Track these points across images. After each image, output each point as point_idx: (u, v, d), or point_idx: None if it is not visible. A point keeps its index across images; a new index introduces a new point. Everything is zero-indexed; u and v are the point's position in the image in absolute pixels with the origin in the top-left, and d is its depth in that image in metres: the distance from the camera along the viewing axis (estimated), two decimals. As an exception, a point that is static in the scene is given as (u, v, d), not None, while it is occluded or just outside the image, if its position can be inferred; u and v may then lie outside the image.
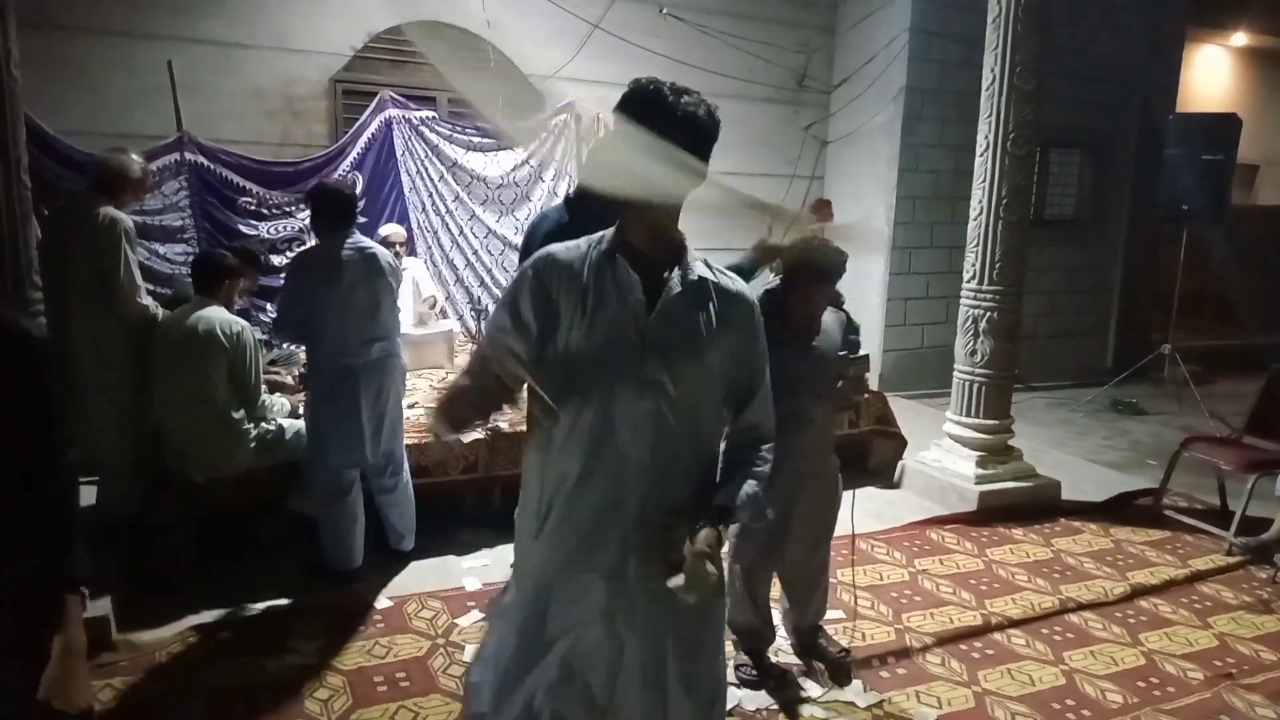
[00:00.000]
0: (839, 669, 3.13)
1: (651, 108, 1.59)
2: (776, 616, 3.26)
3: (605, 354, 1.62)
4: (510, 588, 1.83)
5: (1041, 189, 7.98)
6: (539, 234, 2.94)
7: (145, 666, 3.00)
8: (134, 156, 3.87)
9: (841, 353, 2.93)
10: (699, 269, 1.69)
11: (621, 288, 1.64)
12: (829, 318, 3.01)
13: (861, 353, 2.98)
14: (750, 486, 1.71)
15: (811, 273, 2.84)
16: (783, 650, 3.26)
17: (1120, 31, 7.81)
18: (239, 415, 3.64)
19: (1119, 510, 4.93)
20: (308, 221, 5.94)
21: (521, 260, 2.76)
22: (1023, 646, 3.41)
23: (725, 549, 1.75)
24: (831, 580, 3.83)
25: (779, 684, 3.08)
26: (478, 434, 4.14)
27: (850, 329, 3.06)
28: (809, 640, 3.24)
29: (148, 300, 3.79)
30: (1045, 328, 8.11)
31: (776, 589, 3.20)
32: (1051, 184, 8.10)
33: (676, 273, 1.66)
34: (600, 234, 1.70)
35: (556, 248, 1.70)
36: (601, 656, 1.67)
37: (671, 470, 1.68)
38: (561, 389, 1.65)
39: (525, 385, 1.64)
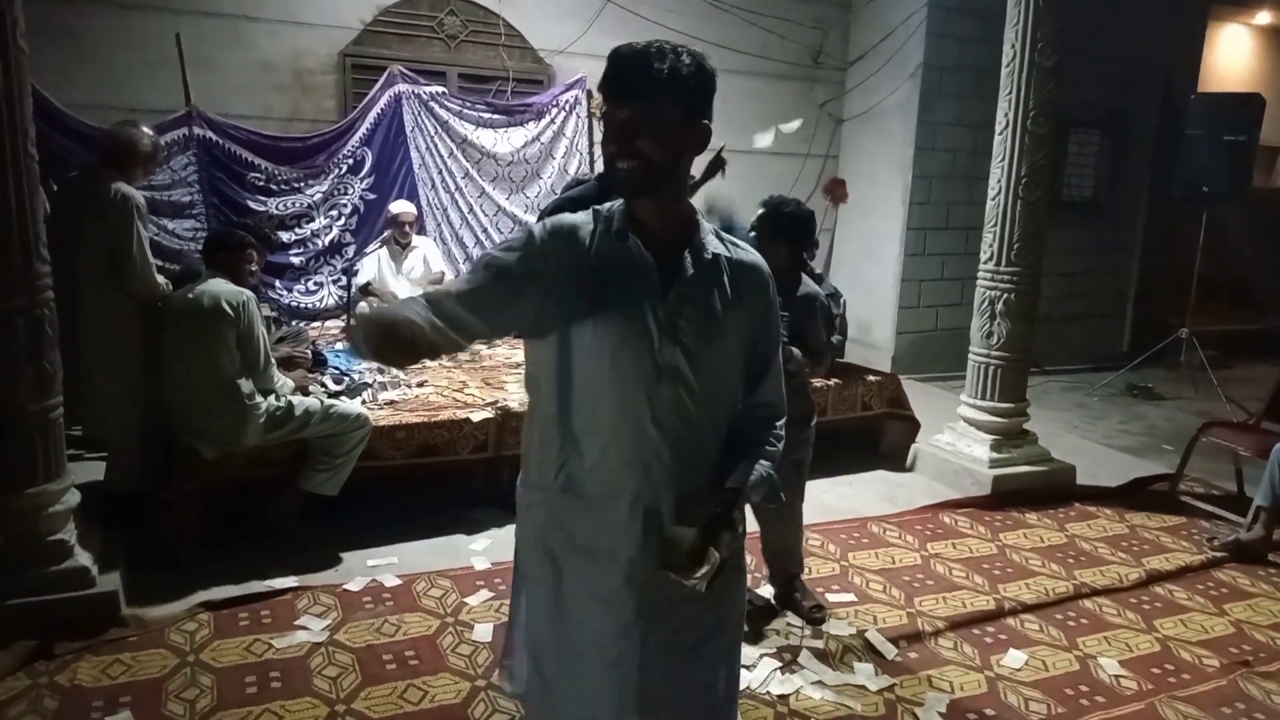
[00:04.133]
0: (812, 621, 3.31)
1: (633, 76, 1.49)
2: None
3: (619, 340, 1.55)
4: (521, 581, 1.78)
5: (1059, 169, 7.86)
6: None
7: (154, 642, 2.99)
8: (144, 130, 3.83)
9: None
10: (713, 244, 1.62)
11: (635, 269, 1.56)
12: (802, 288, 3.25)
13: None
14: (763, 468, 1.65)
15: (761, 206, 3.21)
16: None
17: (1142, 9, 7.66)
18: (248, 389, 3.61)
19: (1134, 495, 4.88)
20: (316, 197, 5.96)
21: None
22: (1036, 632, 3.38)
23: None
24: (844, 563, 3.84)
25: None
26: (487, 413, 4.11)
27: (802, 301, 3.23)
28: (786, 592, 3.41)
29: (159, 277, 3.77)
30: (1061, 310, 8.02)
31: None
32: (1070, 164, 7.98)
33: (690, 251, 1.59)
34: (607, 208, 1.62)
35: (564, 218, 1.62)
36: (621, 645, 1.62)
37: (692, 457, 1.61)
38: (574, 376, 1.59)
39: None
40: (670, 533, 1.56)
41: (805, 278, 3.36)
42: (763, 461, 1.66)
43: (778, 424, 1.72)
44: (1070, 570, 3.90)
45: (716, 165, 3.87)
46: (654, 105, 1.49)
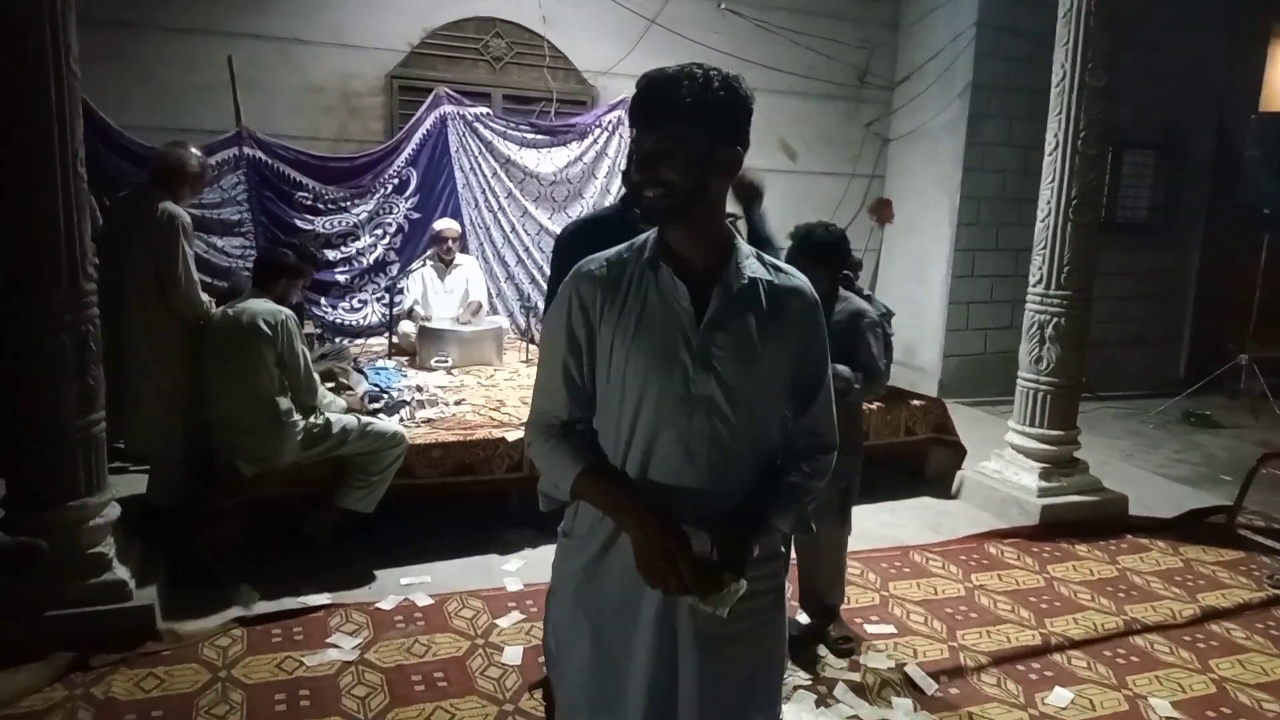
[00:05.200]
0: (839, 653, 3.24)
1: (658, 103, 1.45)
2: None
3: (651, 370, 1.51)
4: (554, 621, 1.72)
5: (1113, 191, 7.70)
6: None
7: (188, 657, 3.00)
8: (193, 151, 3.91)
9: None
10: (750, 268, 1.56)
11: (666, 298, 1.52)
12: (847, 305, 3.20)
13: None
14: (800, 499, 1.60)
15: (791, 238, 3.15)
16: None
17: (1198, 28, 7.48)
18: (286, 407, 3.64)
19: (1190, 528, 4.69)
20: (362, 216, 6.03)
21: (553, 264, 2.67)
22: (1084, 669, 3.25)
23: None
24: (884, 593, 3.75)
25: None
26: (523, 432, 4.09)
27: (847, 321, 3.17)
28: (820, 623, 3.34)
29: (203, 296, 3.83)
30: (1114, 335, 7.82)
31: None
32: (1124, 186, 7.81)
33: (726, 277, 1.54)
34: (643, 238, 1.59)
35: (596, 258, 1.59)
36: (655, 682, 1.57)
37: (731, 489, 1.56)
38: (609, 410, 1.56)
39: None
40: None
41: (850, 295, 3.27)
42: (800, 492, 1.60)
43: (822, 456, 1.65)
44: (1121, 605, 3.76)
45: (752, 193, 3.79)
46: (679, 133, 1.45)
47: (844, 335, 3.08)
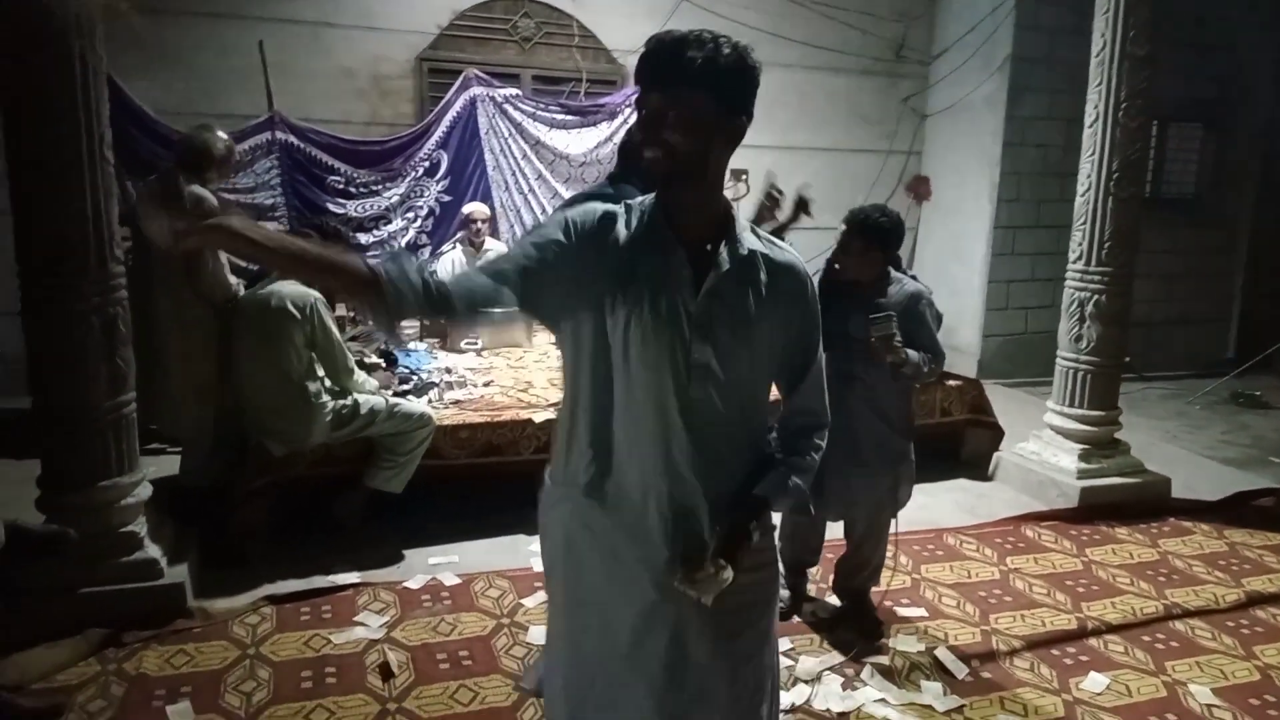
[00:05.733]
0: (867, 636, 3.20)
1: (664, 64, 1.42)
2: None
3: (649, 335, 1.49)
4: (552, 585, 1.72)
5: (1159, 165, 7.49)
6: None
7: (217, 634, 3.05)
8: (219, 134, 3.93)
9: (873, 315, 2.90)
10: (748, 240, 1.54)
11: (667, 265, 1.50)
12: (902, 287, 3.10)
13: (889, 312, 2.91)
14: (795, 478, 1.58)
15: (848, 223, 3.04)
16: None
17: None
18: (315, 388, 3.66)
19: (1235, 511, 4.55)
20: (394, 200, 6.05)
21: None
22: (1121, 654, 3.17)
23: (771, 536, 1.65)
24: (916, 576, 3.69)
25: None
26: (550, 413, 4.09)
27: (905, 303, 3.06)
28: (848, 602, 3.33)
29: (230, 278, 3.86)
30: (1161, 314, 7.61)
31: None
32: (1170, 160, 7.59)
33: (725, 247, 1.52)
34: (639, 201, 1.56)
35: (594, 206, 1.55)
36: (653, 653, 1.56)
37: (724, 456, 1.55)
38: (605, 375, 1.53)
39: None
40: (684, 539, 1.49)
41: (902, 276, 3.16)
42: (796, 473, 1.59)
43: (817, 434, 1.63)
44: (1161, 589, 3.66)
45: (801, 206, 3.78)
46: (683, 95, 1.42)
47: (903, 318, 2.97)
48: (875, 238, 2.99)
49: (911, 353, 2.95)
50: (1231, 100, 7.59)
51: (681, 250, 1.50)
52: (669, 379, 1.49)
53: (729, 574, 1.44)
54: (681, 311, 1.49)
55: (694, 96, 1.42)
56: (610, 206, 1.56)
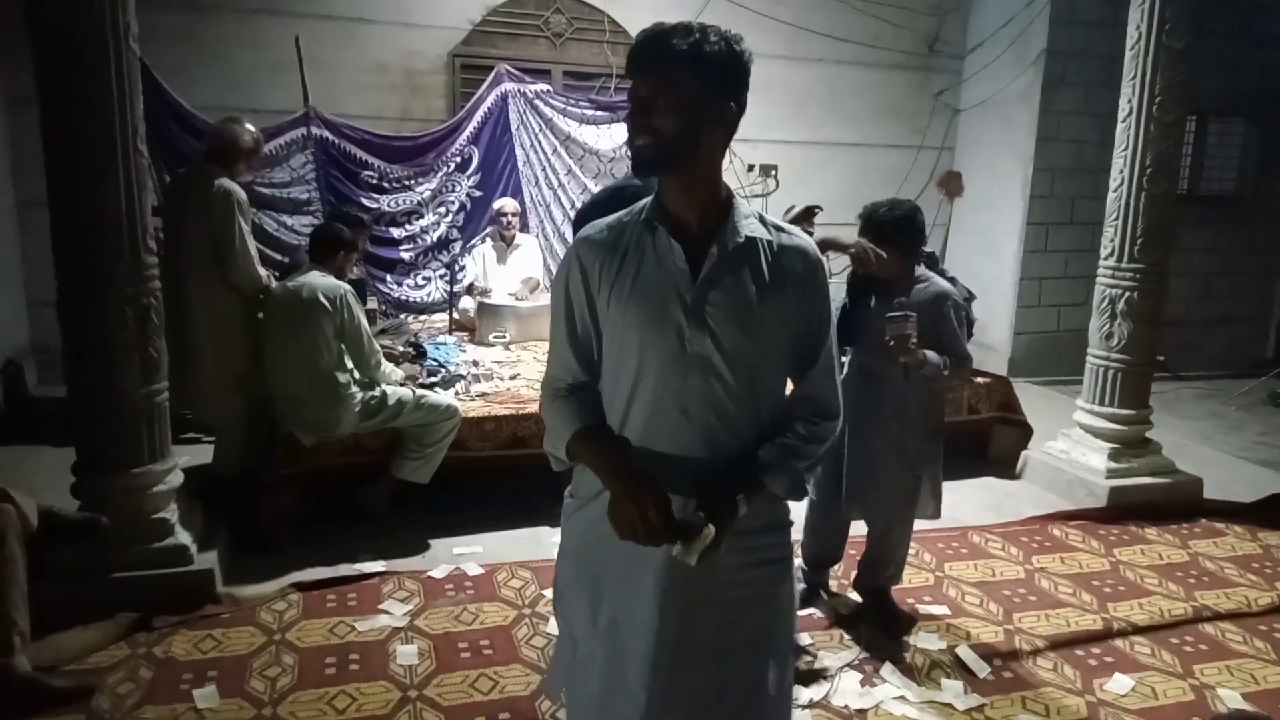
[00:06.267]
0: (889, 634, 3.18)
1: (650, 50, 1.45)
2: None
3: (649, 331, 1.50)
4: (559, 579, 1.74)
5: (1197, 161, 7.34)
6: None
7: (245, 620, 3.11)
8: (246, 126, 3.97)
9: (890, 314, 2.87)
10: (748, 227, 1.53)
11: (663, 257, 1.51)
12: (928, 287, 3.05)
13: (906, 312, 2.86)
14: (793, 461, 1.55)
15: (867, 221, 3.04)
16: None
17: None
18: (344, 379, 3.72)
19: (1270, 513, 4.46)
20: (426, 195, 6.10)
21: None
22: (1147, 656, 3.13)
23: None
24: (940, 574, 3.66)
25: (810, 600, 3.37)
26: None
27: (929, 303, 3.01)
28: (869, 600, 3.31)
29: (261, 269, 3.92)
30: (1198, 313, 7.47)
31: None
32: (1209, 156, 7.43)
33: (722, 235, 1.52)
34: (643, 201, 1.58)
35: (597, 223, 1.60)
36: (650, 646, 1.57)
37: (729, 451, 1.54)
38: (609, 373, 1.57)
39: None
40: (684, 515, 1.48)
41: (933, 276, 3.12)
42: (795, 455, 1.56)
43: (823, 421, 1.61)
44: (1190, 591, 3.61)
45: (808, 214, 3.82)
46: (669, 78, 1.44)
47: (926, 318, 2.92)
48: (887, 232, 2.97)
49: (931, 354, 2.90)
50: (1275, 94, 7.43)
51: (677, 243, 1.51)
52: (666, 370, 1.50)
53: (711, 531, 1.42)
54: (677, 303, 1.50)
55: (680, 79, 1.44)
56: (610, 218, 1.60)
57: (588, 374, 1.61)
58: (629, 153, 1.53)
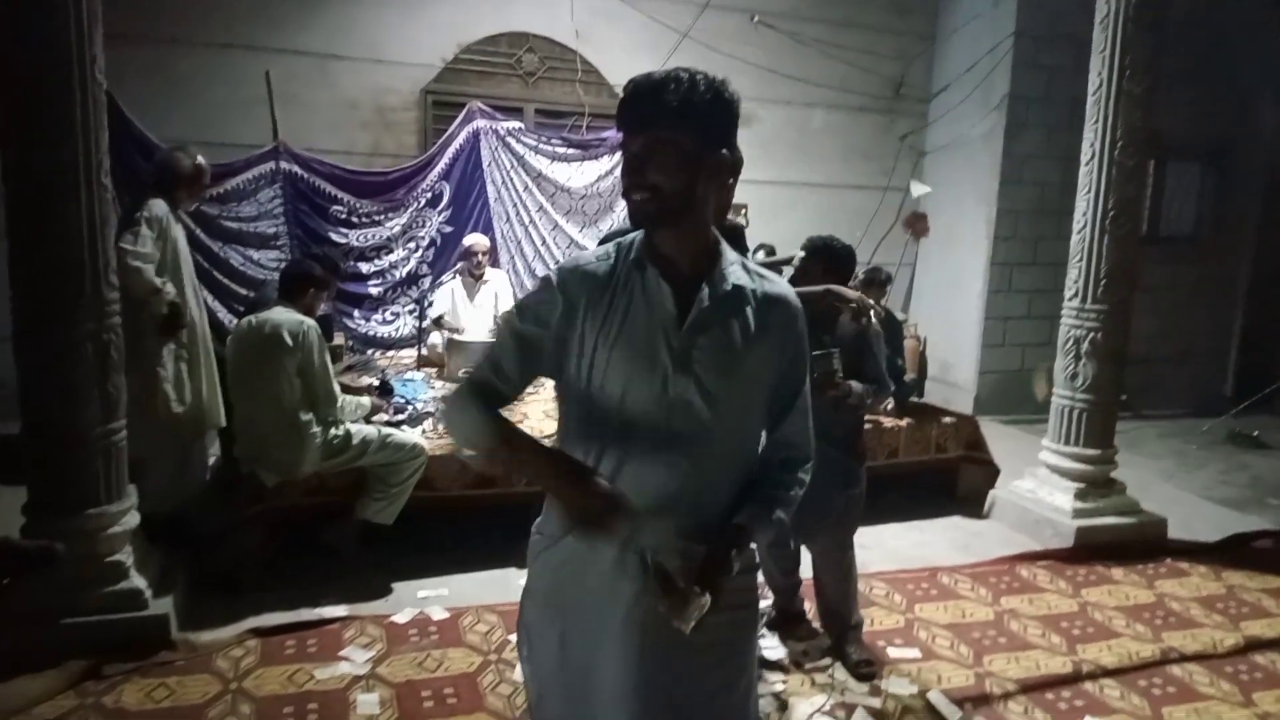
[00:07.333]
0: (859, 677, 3.17)
1: (643, 106, 1.44)
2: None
3: (630, 370, 1.49)
4: (526, 619, 1.70)
5: (1157, 203, 7.51)
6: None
7: (200, 667, 3.01)
8: (187, 153, 3.90)
9: (815, 352, 2.92)
10: (734, 275, 1.54)
11: (651, 300, 1.50)
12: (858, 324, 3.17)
13: (829, 350, 2.96)
14: (778, 511, 1.56)
15: (819, 254, 3.20)
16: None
17: (1249, 31, 7.26)
18: (307, 418, 3.65)
19: (1234, 552, 4.51)
20: (395, 230, 6.07)
21: None
22: (1116, 699, 3.12)
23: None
24: (910, 615, 3.65)
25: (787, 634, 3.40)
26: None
27: (854, 333, 3.16)
28: (838, 643, 3.30)
29: (156, 280, 3.73)
30: (1159, 351, 7.59)
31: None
32: (1168, 197, 7.61)
33: (709, 282, 1.52)
34: (630, 238, 1.57)
35: (584, 256, 1.59)
36: (618, 686, 1.54)
37: (705, 497, 1.54)
38: (588, 411, 1.53)
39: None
40: (659, 558, 1.46)
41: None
42: (778, 506, 1.57)
43: (800, 469, 1.62)
44: (1158, 632, 3.62)
45: (786, 260, 3.94)
46: (664, 136, 1.44)
47: (852, 349, 3.08)
48: (836, 263, 3.16)
49: (855, 385, 3.03)
50: (1234, 139, 7.64)
51: (666, 286, 1.50)
52: (646, 413, 1.49)
53: (707, 599, 1.41)
54: (663, 346, 1.49)
55: (675, 136, 1.43)
56: (597, 251, 1.59)
57: (514, 391, 1.58)
58: (608, 190, 1.53)
